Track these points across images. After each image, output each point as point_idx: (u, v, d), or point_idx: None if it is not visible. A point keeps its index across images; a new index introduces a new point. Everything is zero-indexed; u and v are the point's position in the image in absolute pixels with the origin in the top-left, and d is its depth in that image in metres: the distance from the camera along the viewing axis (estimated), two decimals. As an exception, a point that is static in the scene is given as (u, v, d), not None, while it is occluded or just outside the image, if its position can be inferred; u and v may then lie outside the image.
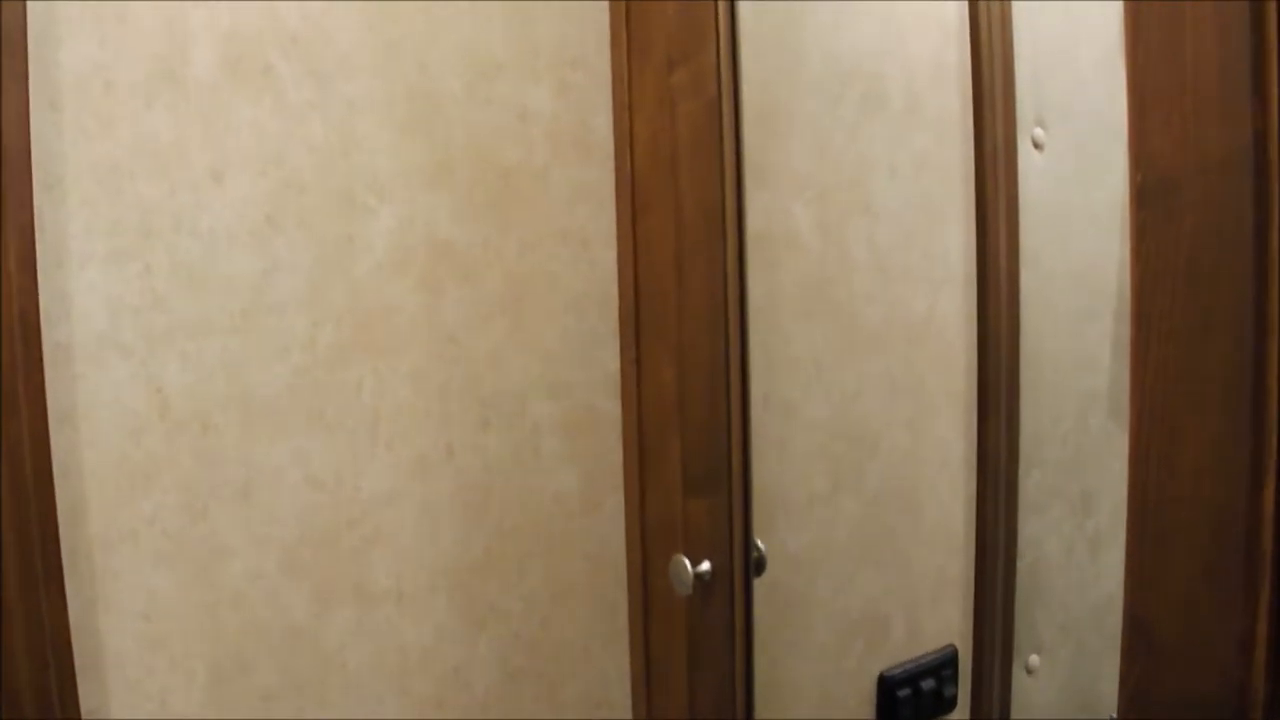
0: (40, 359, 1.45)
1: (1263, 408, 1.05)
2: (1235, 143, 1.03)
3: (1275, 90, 1.00)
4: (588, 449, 1.90)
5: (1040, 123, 2.15)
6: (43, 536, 1.48)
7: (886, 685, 2.13)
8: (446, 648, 1.80)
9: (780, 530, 1.93)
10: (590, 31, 1.91)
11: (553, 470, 1.87)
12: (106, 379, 1.52)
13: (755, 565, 1.82)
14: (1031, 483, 2.21)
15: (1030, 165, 2.13)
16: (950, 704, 2.18)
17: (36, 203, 1.45)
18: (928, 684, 2.15)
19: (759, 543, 1.83)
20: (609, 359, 1.92)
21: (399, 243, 1.72)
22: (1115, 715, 2.43)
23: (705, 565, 1.77)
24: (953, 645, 2.19)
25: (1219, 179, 1.05)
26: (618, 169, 1.90)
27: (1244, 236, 1.03)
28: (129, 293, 1.53)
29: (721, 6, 1.74)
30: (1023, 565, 2.25)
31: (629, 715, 1.99)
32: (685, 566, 1.77)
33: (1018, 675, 2.23)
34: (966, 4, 2.05)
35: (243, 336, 1.61)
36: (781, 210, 1.93)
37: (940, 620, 2.20)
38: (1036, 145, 2.14)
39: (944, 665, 2.18)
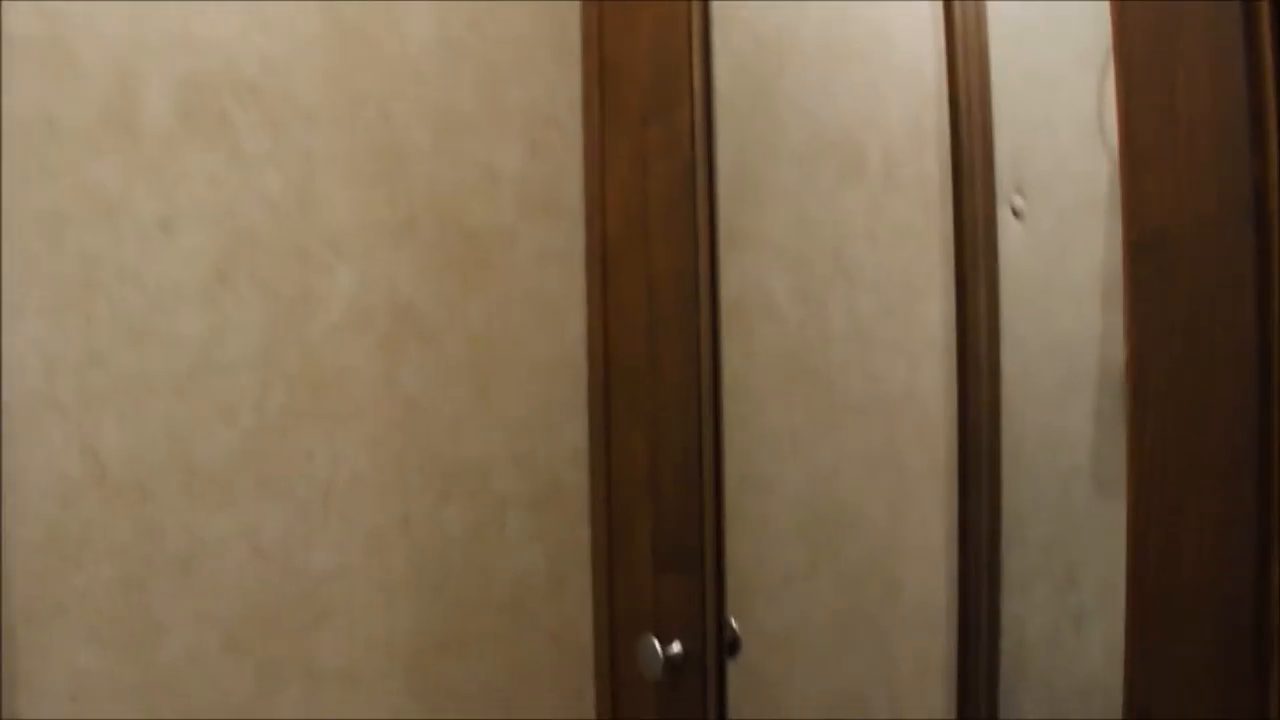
0: (-33, 417, 1.35)
1: (1269, 479, 0.96)
2: (1233, 196, 0.95)
3: (1275, 142, 0.93)
4: (554, 525, 1.80)
5: (1020, 190, 2.09)
6: None
7: (866, 775, 2.01)
8: (400, 735, 1.69)
9: (757, 611, 1.84)
10: (563, 89, 1.84)
11: (517, 547, 1.77)
12: (39, 440, 1.42)
13: (729, 646, 1.71)
14: (1013, 560, 2.14)
15: (1009, 234, 2.07)
16: (933, 792, 2.08)
17: (-31, 250, 1.36)
18: (910, 770, 2.04)
19: (733, 622, 1.73)
20: (577, 430, 1.83)
21: (357, 302, 1.63)
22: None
23: (676, 647, 1.66)
24: (933, 732, 2.07)
25: (1216, 233, 0.97)
26: (588, 232, 1.83)
27: (1245, 293, 0.95)
28: (67, 348, 1.44)
29: (697, 65, 1.67)
30: (1006, 645, 2.17)
31: (594, 811, 1.87)
32: (655, 648, 1.66)
33: (1001, 764, 2.14)
34: (945, 69, 2.01)
35: (187, 398, 1.51)
36: (757, 278, 1.85)
37: (923, 705, 2.09)
38: (1016, 213, 2.09)
39: (932, 752, 2.06)
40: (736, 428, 1.78)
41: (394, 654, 1.67)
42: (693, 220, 1.63)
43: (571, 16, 1.87)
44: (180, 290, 1.50)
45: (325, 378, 1.60)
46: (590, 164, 1.81)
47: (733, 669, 1.73)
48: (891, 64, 2.11)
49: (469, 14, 1.75)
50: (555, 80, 1.84)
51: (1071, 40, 2.12)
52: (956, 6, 1.99)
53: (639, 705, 1.75)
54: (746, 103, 1.88)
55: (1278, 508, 0.99)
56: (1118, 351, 2.17)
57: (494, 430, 1.75)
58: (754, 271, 1.84)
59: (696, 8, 1.69)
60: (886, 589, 2.02)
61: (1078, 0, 2.00)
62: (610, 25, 1.83)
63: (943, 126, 2.00)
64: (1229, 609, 1.03)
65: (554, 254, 1.81)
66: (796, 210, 1.91)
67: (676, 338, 1.68)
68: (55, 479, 1.43)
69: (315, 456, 1.60)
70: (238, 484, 1.55)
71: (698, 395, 1.64)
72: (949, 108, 2.02)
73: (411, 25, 1.70)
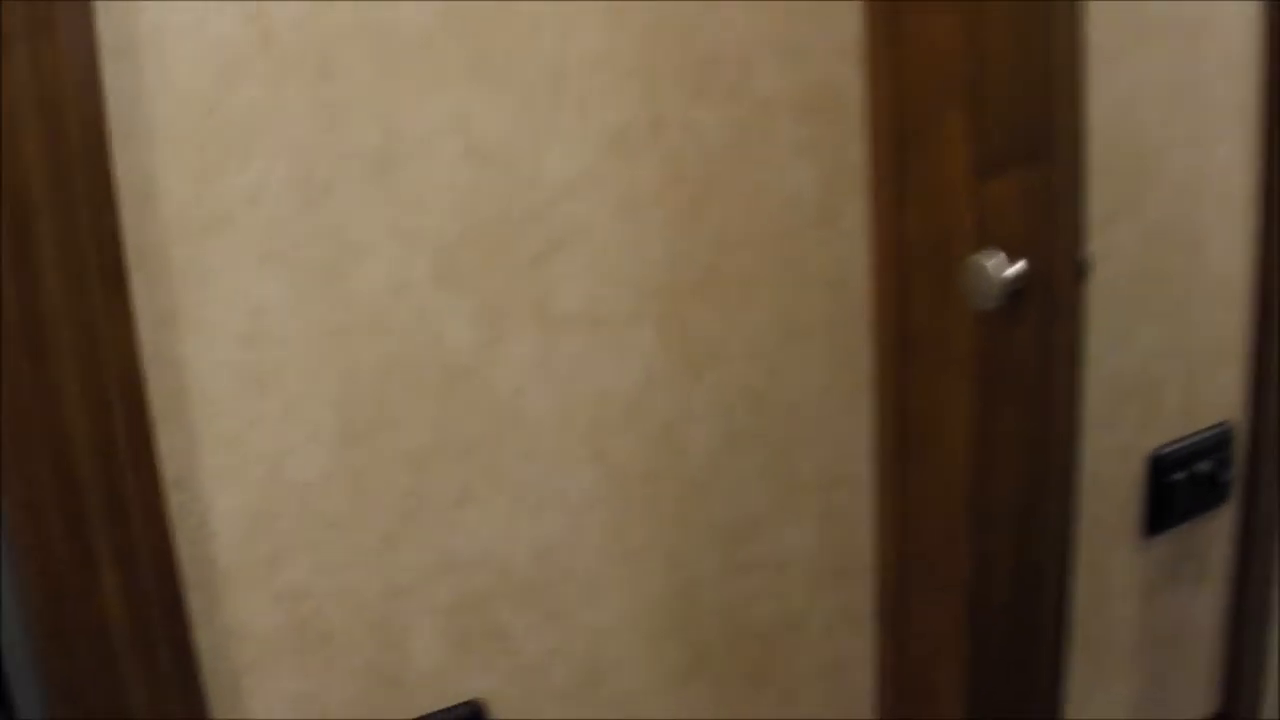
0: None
1: None
2: None
3: None
4: (826, 137, 1.39)
5: None
6: (96, 220, 1.01)
7: (1159, 466, 1.75)
8: (656, 397, 1.32)
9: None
10: None
11: (785, 163, 1.37)
12: (182, -6, 1.02)
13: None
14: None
15: None
16: (1224, 492, 1.82)
17: None
18: (1203, 467, 1.78)
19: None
20: (852, 14, 1.39)
21: None
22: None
23: (1017, 267, 1.26)
24: (1228, 423, 1.80)
25: None
26: None
27: None
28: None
29: None
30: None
31: (871, 496, 1.51)
32: (994, 267, 1.25)
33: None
34: None
35: (373, -60, 1.11)
36: None
37: (1216, 392, 1.80)
38: None
39: (1220, 446, 1.80)
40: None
41: (645, 295, 1.30)
42: None
43: None
44: None
45: (548, -74, 1.19)
46: None
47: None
48: None
49: None
50: None
51: None
52: None
53: (943, 355, 1.36)
54: None
55: None
56: None
57: (753, 13, 1.32)
58: None
59: None
60: (1187, 250, 1.71)
61: None
62: None
63: None
64: None
65: None
66: None
67: None
68: (207, 44, 1.06)
69: (542, 30, 1.19)
70: (444, 62, 1.15)
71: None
72: None
73: None
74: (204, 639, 1.13)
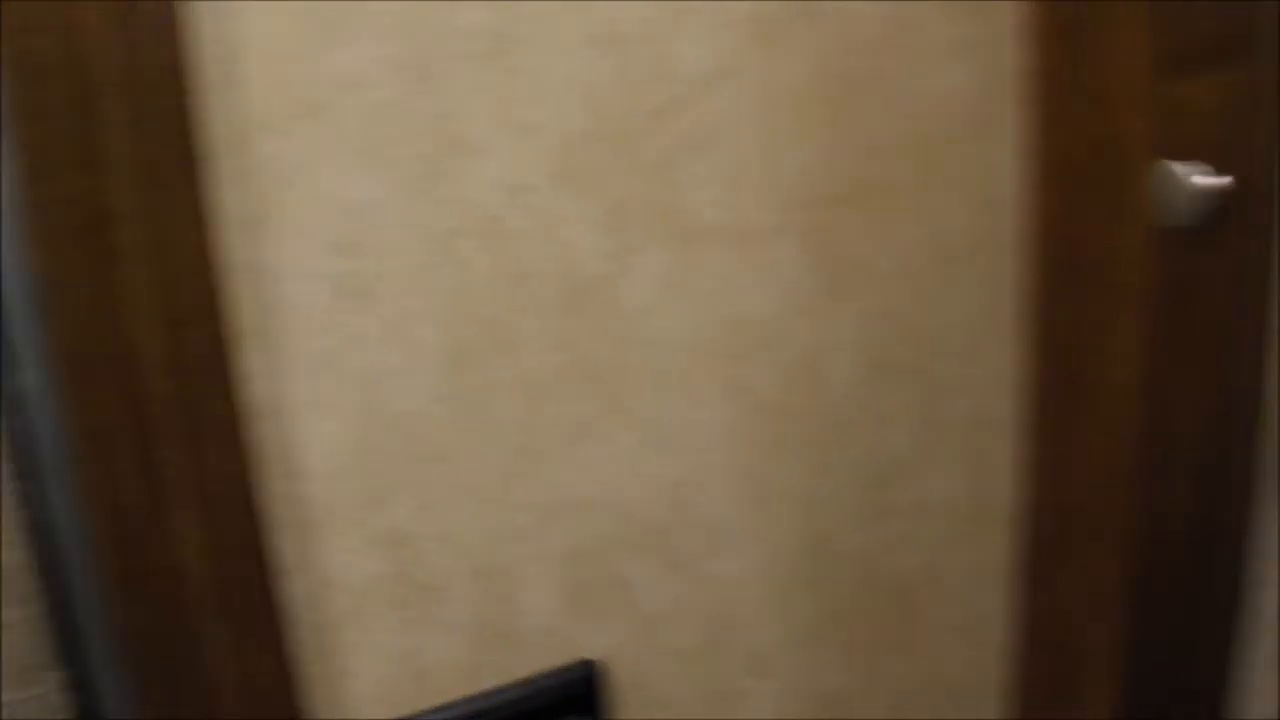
0: None
1: None
2: None
3: None
4: (983, 35, 1.22)
5: None
6: (170, 105, 0.89)
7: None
8: (796, 323, 1.17)
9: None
10: None
11: (937, 63, 1.20)
12: None
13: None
14: None
15: None
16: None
17: None
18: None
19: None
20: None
21: None
22: None
23: (1219, 180, 1.09)
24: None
25: None
26: None
27: None
28: None
29: None
30: None
31: (1018, 440, 1.35)
32: (1188, 178, 1.09)
33: None
34: None
35: None
36: None
37: None
38: None
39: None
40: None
41: (787, 205, 1.14)
42: None
43: None
44: None
45: None
46: None
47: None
48: None
49: None
50: None
51: None
52: None
53: (1104, 282, 1.20)
54: None
55: None
56: None
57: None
58: None
59: None
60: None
61: None
62: None
63: None
64: None
65: None
66: None
67: None
68: (299, -96, 0.89)
69: (677, -104, 1.03)
70: (565, -71, 0.99)
71: None
72: None
73: None
74: (294, 588, 1.00)
